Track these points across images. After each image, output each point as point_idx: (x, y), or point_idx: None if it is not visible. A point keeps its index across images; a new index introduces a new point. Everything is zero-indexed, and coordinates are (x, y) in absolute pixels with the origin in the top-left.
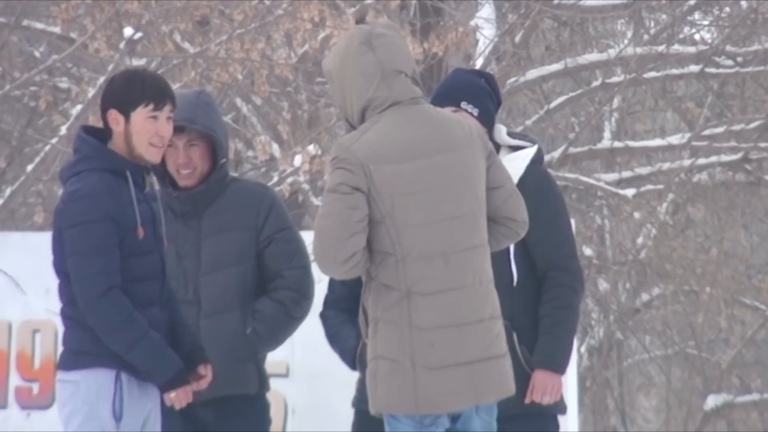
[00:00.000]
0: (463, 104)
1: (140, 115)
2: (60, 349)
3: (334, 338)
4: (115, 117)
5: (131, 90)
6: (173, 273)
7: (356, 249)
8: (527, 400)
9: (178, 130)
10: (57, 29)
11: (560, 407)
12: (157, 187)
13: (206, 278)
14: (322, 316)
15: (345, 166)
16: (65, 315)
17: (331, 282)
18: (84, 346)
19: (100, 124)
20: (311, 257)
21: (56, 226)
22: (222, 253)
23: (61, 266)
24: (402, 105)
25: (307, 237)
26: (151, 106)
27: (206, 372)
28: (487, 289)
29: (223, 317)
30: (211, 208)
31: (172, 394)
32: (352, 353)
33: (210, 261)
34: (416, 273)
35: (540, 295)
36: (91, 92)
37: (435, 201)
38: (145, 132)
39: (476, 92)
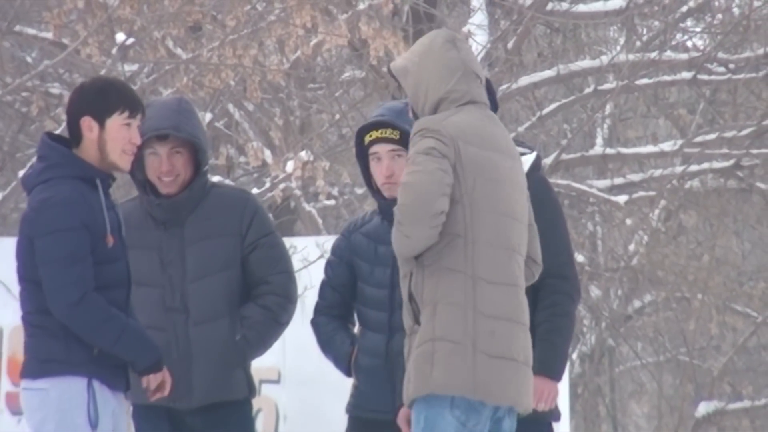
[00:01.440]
0: None
1: (115, 122)
2: None
3: (327, 345)
4: (89, 124)
5: (107, 97)
6: (158, 281)
7: (444, 208)
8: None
9: (161, 138)
10: (49, 35)
11: (555, 414)
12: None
13: (193, 285)
14: (314, 323)
15: (437, 136)
16: (30, 323)
17: (322, 289)
18: (53, 354)
19: None
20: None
21: (24, 234)
22: (208, 259)
23: (26, 274)
24: (478, 105)
25: (300, 243)
26: (126, 114)
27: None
28: (526, 298)
29: (212, 325)
30: (193, 214)
31: (150, 376)
32: (347, 359)
33: (196, 268)
34: (484, 259)
35: (536, 301)
36: None
37: (507, 196)
38: (120, 139)
39: None
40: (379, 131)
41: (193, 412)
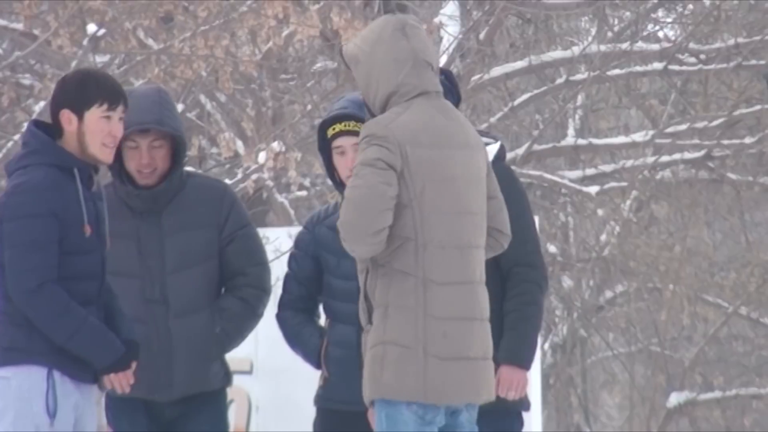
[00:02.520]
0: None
1: (94, 114)
2: None
3: (296, 339)
4: (68, 116)
5: (85, 89)
6: (136, 271)
7: (387, 224)
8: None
9: (142, 131)
10: (20, 26)
11: (524, 404)
12: (104, 184)
13: (173, 277)
14: (280, 317)
15: (382, 143)
16: None
17: (287, 282)
18: (15, 343)
19: None
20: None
21: None
22: (187, 251)
23: None
24: (429, 96)
25: (272, 234)
26: (105, 106)
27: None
28: (485, 290)
29: (193, 317)
30: (171, 205)
31: (111, 375)
32: (317, 352)
33: (175, 259)
34: (435, 261)
35: (504, 290)
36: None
37: (458, 193)
38: (99, 132)
39: None
40: (342, 124)
41: (173, 404)
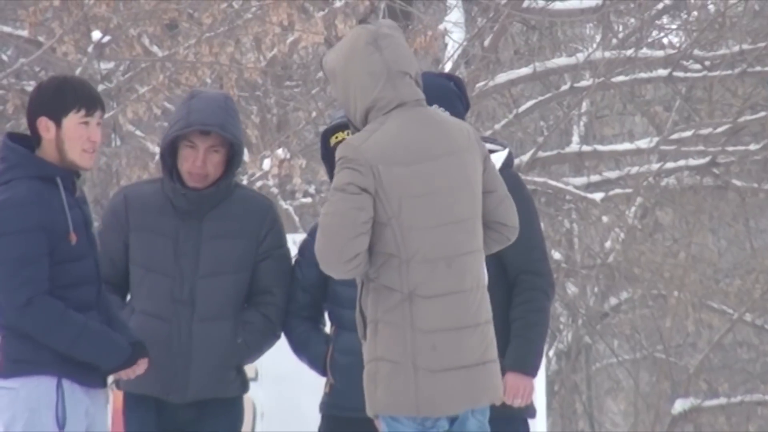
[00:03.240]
0: (435, 107)
1: (72, 121)
2: None
3: (302, 346)
4: (45, 124)
5: (62, 96)
6: (169, 270)
7: (360, 250)
8: (499, 403)
9: (203, 132)
10: (24, 32)
11: (530, 411)
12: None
13: (204, 281)
14: (287, 324)
15: (354, 166)
16: (1, 324)
17: (292, 290)
18: (23, 354)
19: None
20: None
21: None
22: (222, 258)
23: None
24: (407, 107)
25: None
26: (82, 112)
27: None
28: (483, 293)
29: (217, 323)
30: (214, 211)
31: (121, 372)
32: (323, 360)
33: (209, 264)
34: (419, 276)
35: (510, 297)
36: None
37: (440, 204)
38: (78, 138)
39: (446, 95)
40: (345, 132)
41: (186, 405)
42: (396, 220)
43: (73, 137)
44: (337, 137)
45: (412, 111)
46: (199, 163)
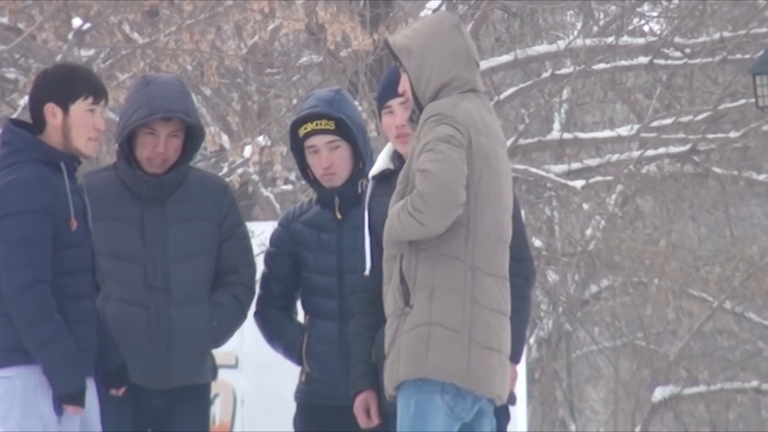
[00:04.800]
0: None
1: (79, 107)
2: None
3: (277, 335)
4: (52, 110)
5: (71, 83)
6: (139, 257)
7: (464, 200)
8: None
9: (164, 119)
10: (4, 20)
11: (511, 398)
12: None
13: (176, 266)
14: (260, 315)
15: (453, 123)
16: None
17: (265, 281)
18: (18, 343)
19: None
20: None
21: None
22: (190, 241)
23: None
24: (478, 94)
25: (258, 227)
26: (90, 99)
27: (118, 393)
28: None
29: (194, 308)
30: (174, 195)
31: (69, 408)
32: (297, 348)
33: (179, 248)
34: (484, 251)
35: None
36: None
37: (505, 187)
38: (84, 125)
39: None
40: (314, 123)
41: (161, 393)
42: (474, 188)
43: (80, 124)
44: (306, 128)
45: (483, 99)
46: (160, 149)
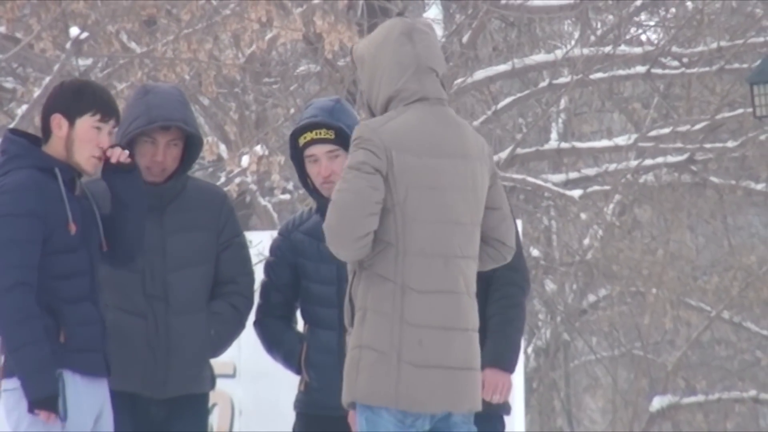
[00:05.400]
0: None
1: (86, 122)
2: None
3: (276, 345)
4: (59, 121)
5: (81, 97)
6: (136, 265)
7: (370, 229)
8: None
9: (164, 128)
10: (2, 29)
11: (505, 408)
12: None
13: (174, 275)
14: (259, 324)
15: (369, 147)
16: None
17: (265, 290)
18: None
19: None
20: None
21: None
22: (188, 251)
23: None
24: (429, 102)
25: (256, 237)
26: (97, 117)
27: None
28: (474, 302)
29: (192, 317)
30: (173, 204)
31: (42, 414)
32: (297, 358)
33: (177, 258)
34: (415, 269)
35: (487, 293)
36: (37, 92)
37: (444, 201)
38: (88, 141)
39: None
40: (314, 132)
41: (159, 402)
42: (400, 208)
43: (84, 139)
44: (305, 137)
45: (432, 107)
46: (159, 158)
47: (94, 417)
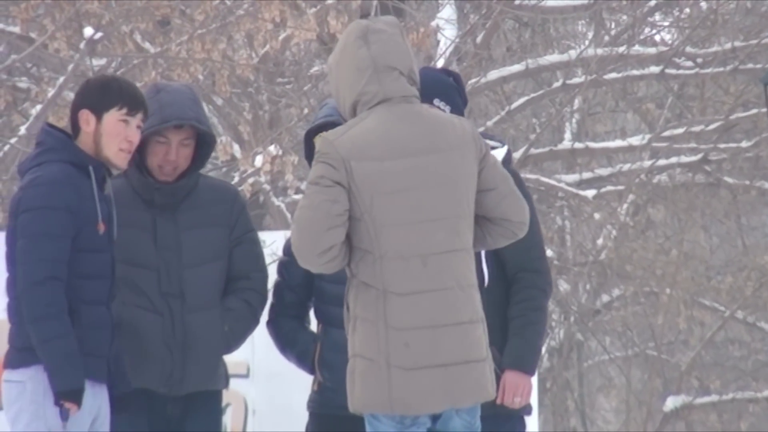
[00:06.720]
0: (436, 101)
1: (113, 117)
2: None
3: (290, 345)
4: (86, 117)
5: (107, 92)
6: (152, 263)
7: (334, 242)
8: (498, 401)
9: (176, 126)
10: (16, 29)
11: (527, 408)
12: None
13: (189, 272)
14: (273, 323)
15: (327, 160)
16: (12, 311)
17: (278, 290)
18: (29, 343)
19: (59, 124)
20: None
21: (12, 215)
22: (202, 247)
23: (12, 257)
24: (392, 102)
25: (269, 237)
26: (124, 110)
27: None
28: (469, 293)
29: (207, 313)
30: (186, 202)
31: (67, 403)
32: (310, 357)
33: (191, 255)
34: (393, 272)
35: (509, 296)
36: (51, 92)
37: (415, 202)
38: (116, 134)
39: (446, 89)
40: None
41: (175, 399)
42: (368, 215)
43: (111, 133)
44: (321, 137)
45: (396, 107)
46: (172, 157)
47: (91, 419)
